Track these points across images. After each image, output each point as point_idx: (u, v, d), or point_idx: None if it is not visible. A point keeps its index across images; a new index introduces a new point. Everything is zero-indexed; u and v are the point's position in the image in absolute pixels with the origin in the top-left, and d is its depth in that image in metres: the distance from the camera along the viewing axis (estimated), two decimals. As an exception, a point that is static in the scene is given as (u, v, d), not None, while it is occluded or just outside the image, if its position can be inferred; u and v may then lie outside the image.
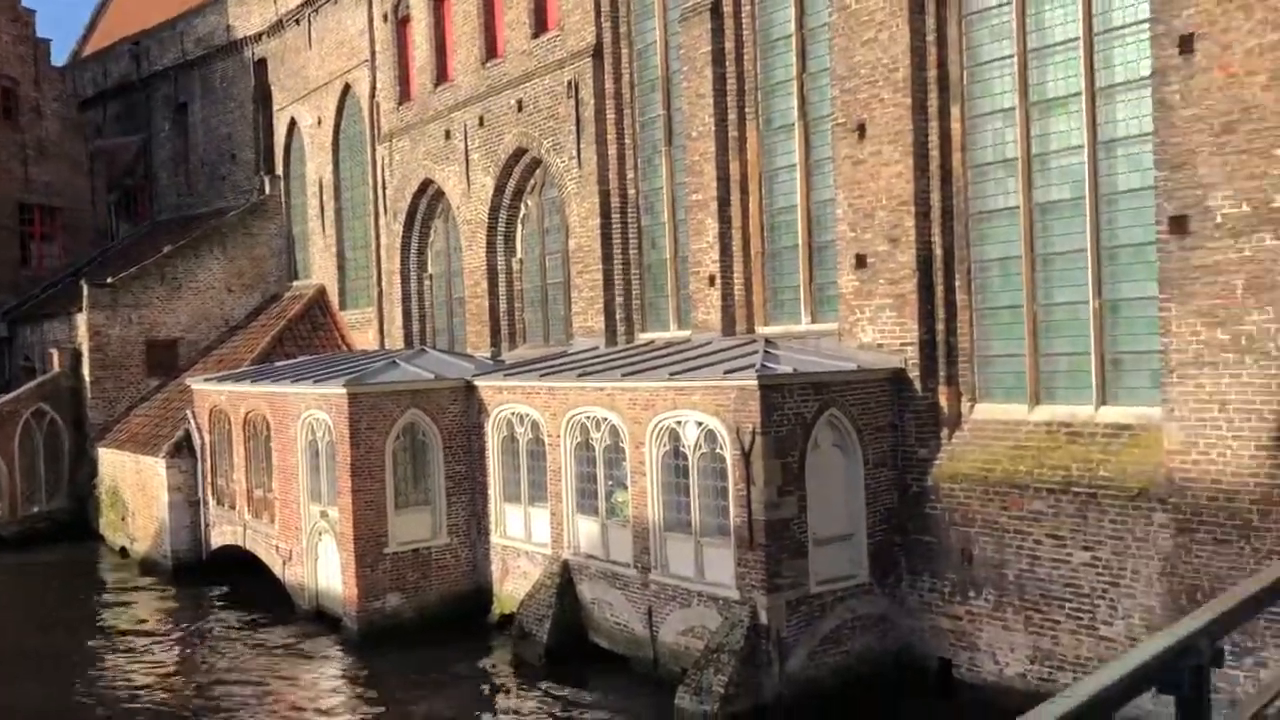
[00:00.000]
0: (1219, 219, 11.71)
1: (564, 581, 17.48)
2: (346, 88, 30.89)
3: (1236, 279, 11.59)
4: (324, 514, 19.85)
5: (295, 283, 33.83)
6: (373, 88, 29.32)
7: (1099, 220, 13.68)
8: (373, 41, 29.00)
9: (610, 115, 21.21)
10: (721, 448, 14.55)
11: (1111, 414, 13.54)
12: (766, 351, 15.80)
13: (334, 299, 32.06)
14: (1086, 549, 13.19)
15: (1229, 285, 11.66)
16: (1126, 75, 13.34)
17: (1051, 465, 13.67)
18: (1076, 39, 13.81)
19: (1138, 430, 13.08)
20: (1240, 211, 11.53)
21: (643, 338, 20.98)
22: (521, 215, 24.51)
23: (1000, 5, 14.65)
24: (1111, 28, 13.50)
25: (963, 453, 14.80)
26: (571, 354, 20.83)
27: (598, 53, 21.22)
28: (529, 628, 17.55)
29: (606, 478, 16.98)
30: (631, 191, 21.18)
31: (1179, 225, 12.06)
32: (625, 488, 16.44)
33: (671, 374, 15.41)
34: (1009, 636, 14.06)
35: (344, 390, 18.82)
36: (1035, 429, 14.20)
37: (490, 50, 24.49)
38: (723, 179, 18.42)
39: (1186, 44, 11.88)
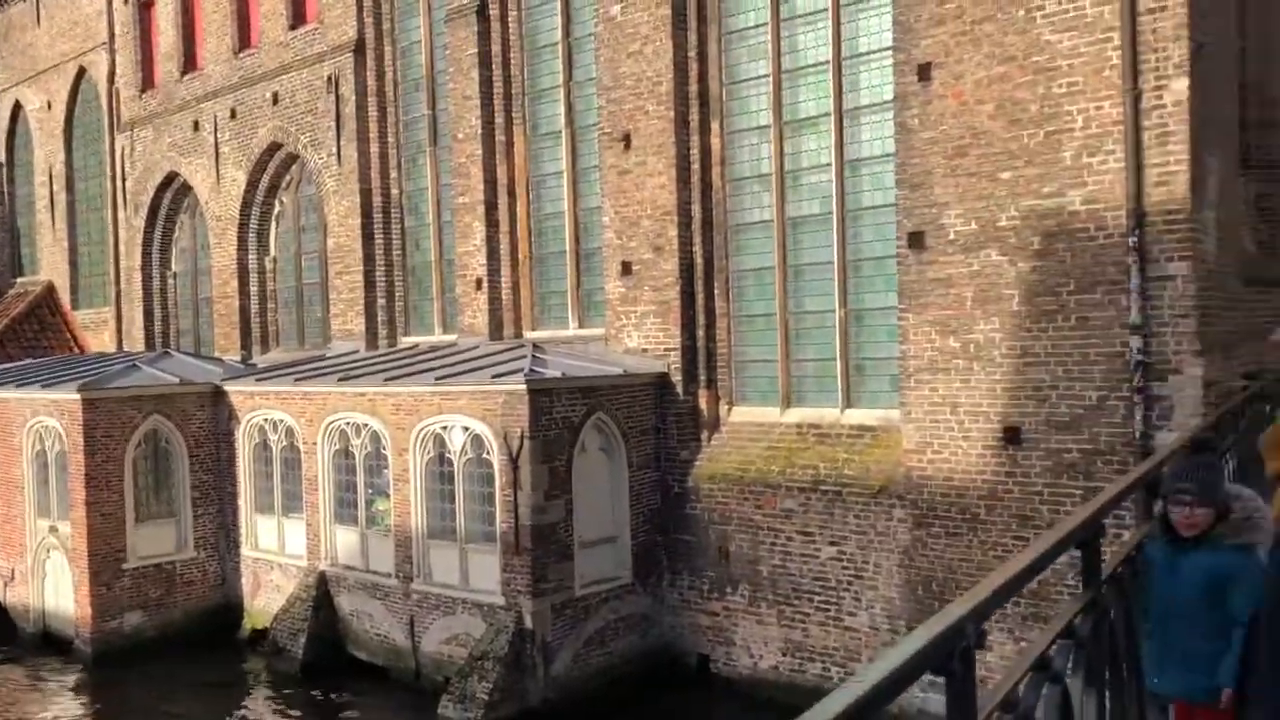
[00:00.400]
0: (952, 235, 12.68)
1: (321, 594, 16.90)
2: (81, 71, 28.69)
3: (967, 291, 12.59)
4: (53, 529, 18.32)
5: (20, 279, 31.15)
6: (111, 72, 27.35)
7: (845, 234, 14.52)
8: (111, 23, 27.06)
9: (373, 113, 20.69)
10: (488, 453, 14.47)
11: (856, 416, 14.40)
12: (534, 356, 15.85)
13: (65, 297, 29.71)
14: (833, 544, 13.95)
15: (960, 297, 12.65)
16: (871, 99, 14.23)
17: (802, 465, 14.38)
18: (827, 63, 14.61)
19: (879, 431, 13.96)
20: (970, 229, 12.53)
21: (406, 341, 20.57)
22: (276, 212, 23.52)
23: (757, 26, 15.32)
24: (858, 53, 14.37)
25: (721, 454, 15.34)
26: (330, 358, 20.17)
27: (359, 48, 20.66)
28: (283, 643, 16.85)
29: (367, 486, 16.54)
30: (395, 191, 20.74)
31: (916, 241, 12.98)
32: (387, 496, 16.07)
33: (437, 378, 15.20)
34: (763, 630, 14.67)
35: (77, 395, 17.46)
36: (787, 430, 14.90)
37: (244, 40, 23.38)
38: (490, 182, 18.34)
39: (924, 72, 12.81)
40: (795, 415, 14.98)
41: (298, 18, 22.13)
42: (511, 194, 18.35)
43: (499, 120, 18.36)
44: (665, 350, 15.70)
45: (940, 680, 1.96)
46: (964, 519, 12.69)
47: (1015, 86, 12.09)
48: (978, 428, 12.57)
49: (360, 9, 20.59)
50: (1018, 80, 12.07)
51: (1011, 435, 12.29)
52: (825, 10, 14.58)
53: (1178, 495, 3.87)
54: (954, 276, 12.68)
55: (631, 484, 15.28)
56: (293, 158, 22.61)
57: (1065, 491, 11.88)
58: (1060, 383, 11.96)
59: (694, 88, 15.59)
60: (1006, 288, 12.29)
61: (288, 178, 23.13)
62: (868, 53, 14.25)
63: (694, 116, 15.61)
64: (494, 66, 18.33)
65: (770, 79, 15.14)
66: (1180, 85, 11.01)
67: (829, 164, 14.64)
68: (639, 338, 15.97)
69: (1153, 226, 11.27)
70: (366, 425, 16.27)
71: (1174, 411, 11.23)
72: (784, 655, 14.47)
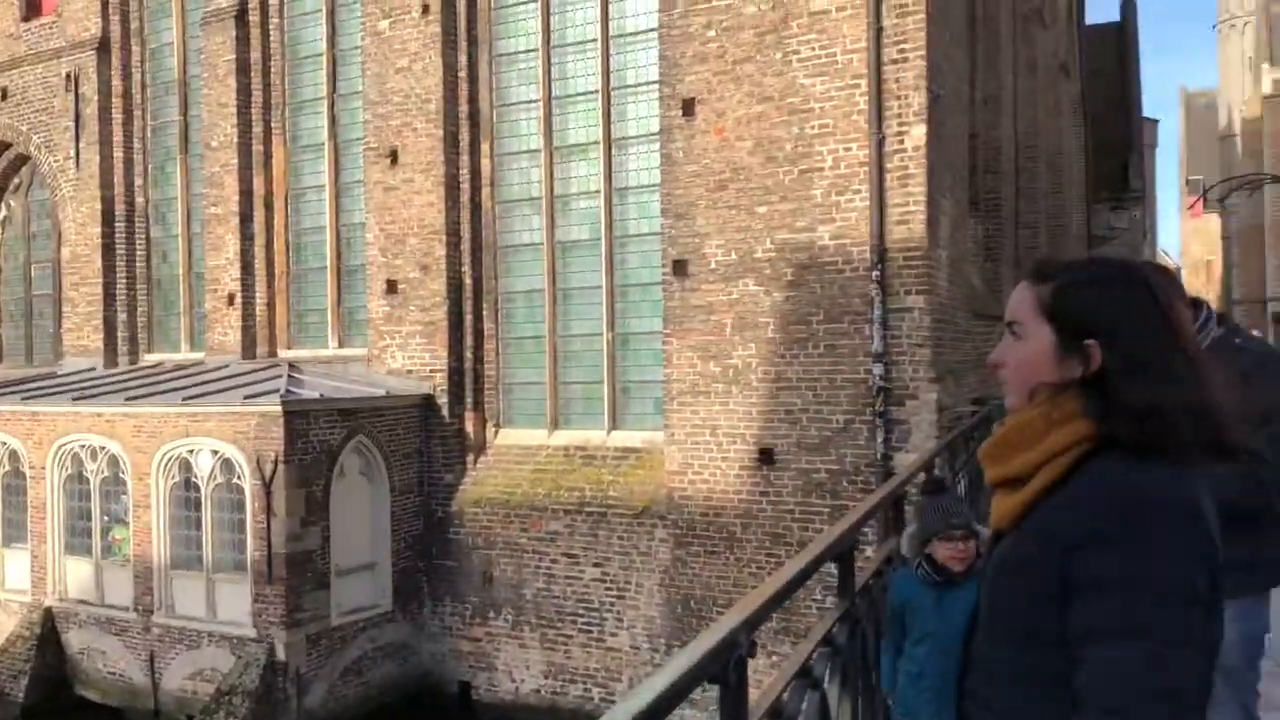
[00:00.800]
0: (713, 265, 13.16)
1: (46, 631, 15.57)
2: None
3: (726, 318, 13.08)
4: None
5: None
6: None
7: (613, 259, 14.80)
8: None
9: (117, 115, 19.40)
10: (239, 477, 13.79)
11: (621, 438, 14.65)
12: (291, 376, 15.26)
13: None
14: (597, 565, 14.11)
15: (720, 324, 13.13)
16: (639, 130, 14.60)
17: (568, 487, 14.48)
18: (596, 91, 14.88)
19: (643, 453, 14.26)
20: (730, 259, 13.05)
21: (150, 359, 19.33)
22: (3, 217, 21.64)
23: (527, 52, 15.43)
24: (626, 85, 14.72)
25: (486, 477, 15.23)
26: (63, 375, 18.70)
27: (104, 46, 19.35)
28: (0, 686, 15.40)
29: (103, 513, 15.41)
30: (140, 199, 19.50)
31: (680, 269, 13.39)
32: (126, 523, 15.02)
33: (185, 398, 14.37)
34: (525, 654, 14.63)
35: None
36: (554, 453, 14.98)
37: (-33, 27, 21.43)
38: (246, 193, 17.54)
39: (689, 107, 13.27)
40: (562, 437, 15.07)
41: (32, 9, 20.52)
42: (269, 206, 17.63)
43: (257, 130, 17.62)
44: (431, 372, 15.47)
45: (695, 695, 2.02)
46: (721, 538, 13.12)
47: (772, 125, 12.71)
48: (735, 449, 13.06)
49: (105, 5, 19.30)
50: (775, 120, 12.70)
51: (766, 456, 12.83)
52: (595, 41, 14.86)
53: (949, 532, 3.93)
54: (715, 304, 13.15)
55: (393, 509, 14.92)
56: (23, 159, 20.90)
57: (814, 510, 12.51)
58: (810, 406, 12.60)
59: (464, 108, 15.52)
60: (762, 316, 12.86)
61: (16, 180, 21.35)
62: (635, 85, 14.62)
63: (464, 136, 15.52)
64: (253, 74, 17.60)
65: (541, 104, 15.27)
66: (919, 131, 11.90)
67: (598, 190, 14.89)
68: (404, 359, 15.66)
69: (893, 262, 12.08)
70: (104, 448, 15.17)
71: (911, 434, 12.05)
72: (546, 678, 14.47)
